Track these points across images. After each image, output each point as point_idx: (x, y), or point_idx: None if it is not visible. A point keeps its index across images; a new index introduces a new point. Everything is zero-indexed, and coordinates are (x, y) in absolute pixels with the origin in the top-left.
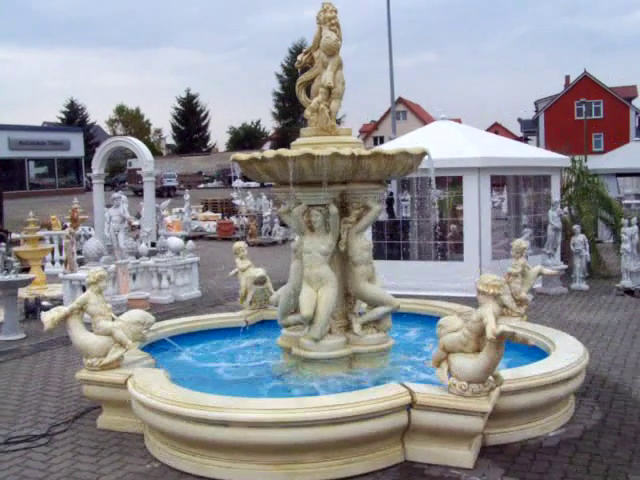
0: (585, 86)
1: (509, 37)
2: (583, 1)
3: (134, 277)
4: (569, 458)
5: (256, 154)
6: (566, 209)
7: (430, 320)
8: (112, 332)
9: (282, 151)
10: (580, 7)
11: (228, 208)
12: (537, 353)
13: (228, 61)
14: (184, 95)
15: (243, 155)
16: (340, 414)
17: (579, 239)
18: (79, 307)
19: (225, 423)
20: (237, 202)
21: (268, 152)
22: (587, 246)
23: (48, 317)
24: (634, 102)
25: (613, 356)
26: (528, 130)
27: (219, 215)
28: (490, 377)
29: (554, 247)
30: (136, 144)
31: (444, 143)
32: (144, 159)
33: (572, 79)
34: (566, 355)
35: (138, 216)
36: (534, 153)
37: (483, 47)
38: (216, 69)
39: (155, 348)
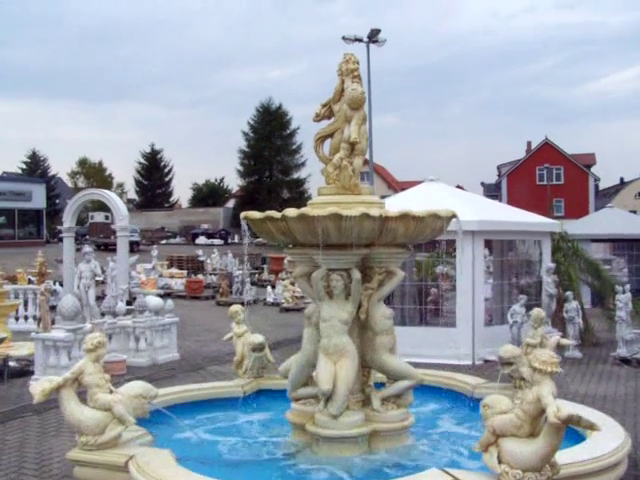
0: (546, 152)
1: (469, 103)
2: (540, 72)
3: (110, 338)
4: None
5: (273, 213)
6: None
7: (439, 392)
8: (111, 407)
9: (307, 210)
10: (537, 78)
11: (194, 265)
12: (570, 433)
13: (192, 117)
14: (148, 150)
15: (257, 213)
16: None
17: (572, 306)
18: (74, 377)
19: None
20: (203, 259)
21: (289, 211)
22: (580, 313)
23: (38, 389)
24: (592, 169)
25: (633, 433)
26: (491, 194)
27: (184, 272)
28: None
29: (548, 314)
30: (111, 197)
31: (436, 205)
32: (119, 213)
33: (533, 145)
34: (608, 436)
35: (102, 271)
36: (524, 217)
37: (443, 112)
38: (180, 125)
39: (147, 421)
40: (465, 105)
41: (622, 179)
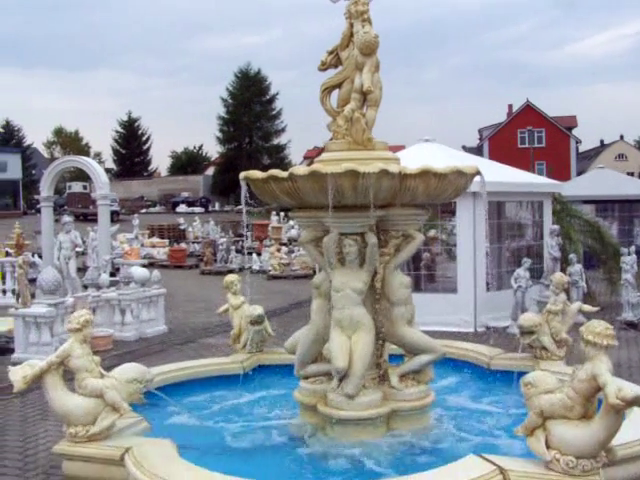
0: (528, 115)
1: (446, 67)
2: (518, 36)
3: (94, 311)
4: None
5: (277, 172)
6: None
7: (454, 364)
8: (103, 393)
9: (319, 167)
10: (515, 41)
11: (175, 234)
12: None
13: (169, 85)
14: (125, 118)
15: (258, 173)
16: None
17: (575, 269)
18: (59, 361)
19: None
20: (184, 227)
21: (297, 169)
22: (583, 276)
23: (19, 375)
24: (574, 132)
25: None
26: None
27: (166, 241)
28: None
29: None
30: (90, 164)
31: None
32: (99, 181)
33: (514, 108)
34: None
35: (82, 242)
36: (527, 178)
37: (421, 76)
38: (157, 93)
39: (139, 405)
40: (444, 69)
41: (602, 141)
